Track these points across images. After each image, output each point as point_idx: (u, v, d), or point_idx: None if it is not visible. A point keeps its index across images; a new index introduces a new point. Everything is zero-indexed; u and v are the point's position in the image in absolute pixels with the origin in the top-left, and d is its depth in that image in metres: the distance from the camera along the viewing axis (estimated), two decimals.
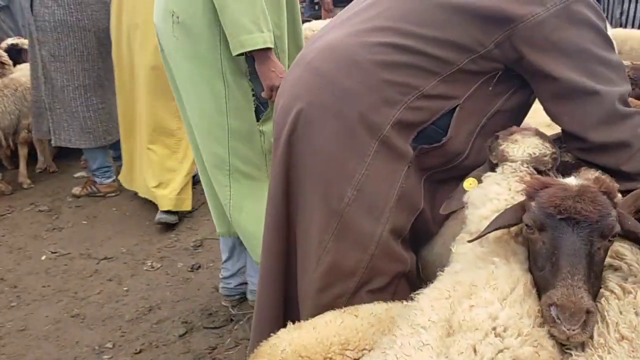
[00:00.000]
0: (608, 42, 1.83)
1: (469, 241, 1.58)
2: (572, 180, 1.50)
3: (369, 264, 1.90)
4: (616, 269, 1.49)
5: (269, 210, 2.13)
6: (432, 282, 1.68)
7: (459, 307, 1.33)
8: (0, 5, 7.05)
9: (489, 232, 1.54)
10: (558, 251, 1.38)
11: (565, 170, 1.79)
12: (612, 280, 1.44)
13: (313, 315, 1.81)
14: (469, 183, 1.82)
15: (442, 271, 1.68)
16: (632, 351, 1.25)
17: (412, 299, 1.63)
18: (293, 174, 1.98)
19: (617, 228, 1.39)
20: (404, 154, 1.86)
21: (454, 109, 1.86)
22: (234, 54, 2.60)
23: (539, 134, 1.82)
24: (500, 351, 1.19)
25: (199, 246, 4.33)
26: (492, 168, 1.78)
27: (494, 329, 1.24)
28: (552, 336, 1.31)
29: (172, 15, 2.66)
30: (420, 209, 1.97)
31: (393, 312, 1.76)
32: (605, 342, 1.28)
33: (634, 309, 1.35)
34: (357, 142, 1.83)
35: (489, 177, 1.72)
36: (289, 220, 2.05)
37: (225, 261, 3.43)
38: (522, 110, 2.07)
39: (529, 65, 1.81)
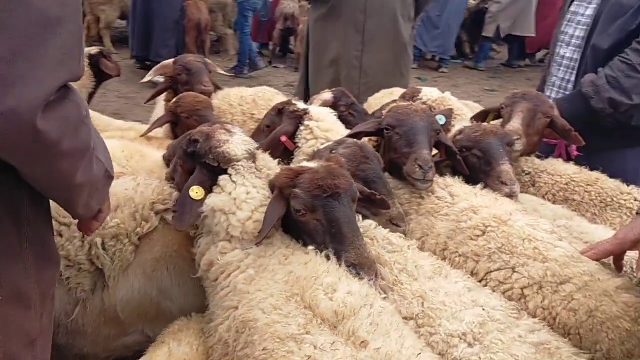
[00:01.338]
0: None
1: (257, 243, 1.58)
2: (312, 164, 1.72)
3: None
4: None
5: None
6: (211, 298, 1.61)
7: (317, 301, 1.37)
8: None
9: (269, 229, 1.59)
10: (336, 223, 1.61)
11: None
12: None
13: None
14: (195, 192, 1.75)
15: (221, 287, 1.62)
16: (410, 276, 1.64)
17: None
18: None
19: (358, 192, 1.73)
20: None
21: None
22: None
23: (224, 128, 1.89)
24: (390, 314, 1.35)
25: None
26: (217, 171, 1.76)
27: (364, 300, 1.37)
28: None
29: None
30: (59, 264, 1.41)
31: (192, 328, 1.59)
32: (397, 279, 1.62)
33: (384, 249, 1.75)
34: None
35: (227, 181, 1.72)
36: None
37: None
38: None
39: None
